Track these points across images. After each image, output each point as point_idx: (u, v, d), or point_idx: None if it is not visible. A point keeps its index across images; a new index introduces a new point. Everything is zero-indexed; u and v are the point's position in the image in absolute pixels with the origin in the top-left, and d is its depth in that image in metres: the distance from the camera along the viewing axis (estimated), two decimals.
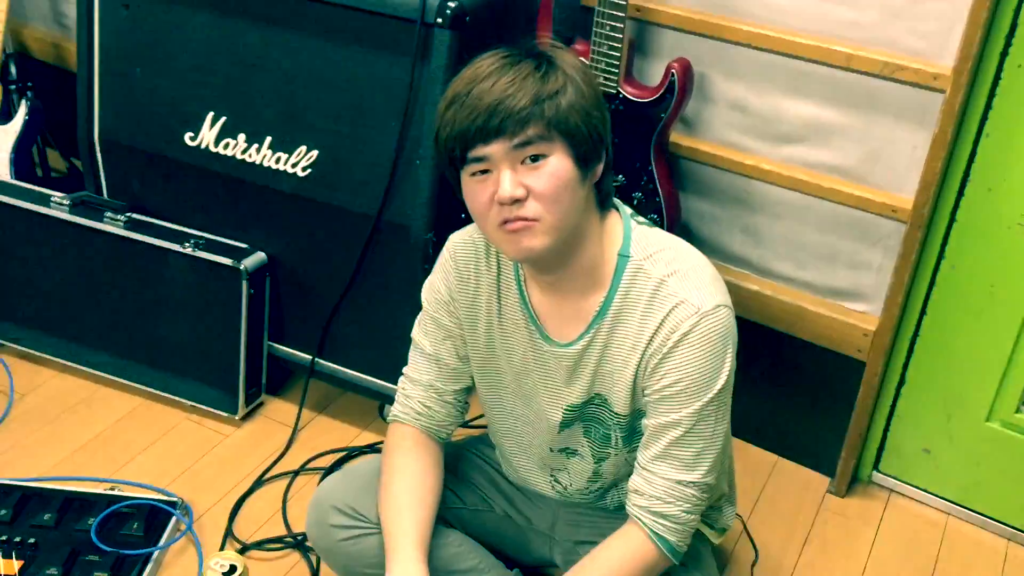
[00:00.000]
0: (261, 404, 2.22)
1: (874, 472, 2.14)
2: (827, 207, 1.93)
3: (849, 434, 2.05)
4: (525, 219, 1.25)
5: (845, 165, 1.89)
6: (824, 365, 2.05)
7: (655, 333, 1.33)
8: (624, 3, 1.79)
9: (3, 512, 1.82)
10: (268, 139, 2.00)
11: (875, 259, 1.94)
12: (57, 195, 2.19)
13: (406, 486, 1.49)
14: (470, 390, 1.57)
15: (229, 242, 2.10)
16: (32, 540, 1.78)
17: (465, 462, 1.68)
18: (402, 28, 1.82)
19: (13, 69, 2.57)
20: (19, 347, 2.29)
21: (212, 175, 2.08)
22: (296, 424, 2.16)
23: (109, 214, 2.13)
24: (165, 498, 1.91)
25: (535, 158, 1.24)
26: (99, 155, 2.22)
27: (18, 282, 2.30)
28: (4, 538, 1.77)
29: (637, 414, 1.42)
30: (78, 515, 1.85)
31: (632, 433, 1.45)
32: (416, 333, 1.55)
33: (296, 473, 2.05)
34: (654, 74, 1.96)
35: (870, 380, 1.98)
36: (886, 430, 2.09)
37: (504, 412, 1.55)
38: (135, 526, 1.83)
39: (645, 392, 1.37)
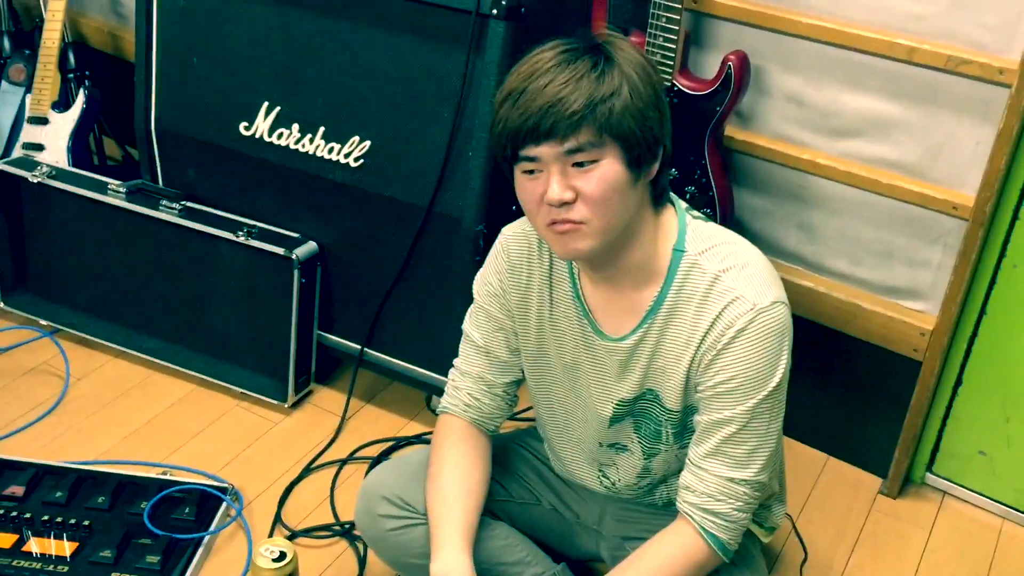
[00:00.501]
0: (310, 392, 2.24)
1: (927, 474, 2.10)
2: (885, 203, 1.89)
3: (903, 434, 2.01)
4: (572, 221, 1.25)
5: (904, 160, 1.85)
6: (879, 364, 2.01)
7: (710, 328, 1.31)
8: None
9: (59, 494, 1.86)
10: (321, 129, 2.01)
11: (934, 257, 1.90)
12: (113, 183, 2.22)
13: (454, 478, 1.49)
14: (519, 383, 1.57)
15: (281, 231, 2.12)
16: (87, 522, 1.81)
17: (513, 455, 1.68)
18: (456, 19, 1.81)
19: (72, 58, 2.61)
20: (75, 332, 2.33)
21: (266, 164, 2.09)
22: (344, 413, 2.17)
23: (164, 202, 2.16)
24: (216, 484, 1.93)
25: (586, 162, 1.23)
26: (155, 144, 2.25)
27: (75, 268, 2.34)
28: (59, 520, 1.81)
29: (689, 410, 1.41)
30: (131, 498, 1.88)
31: (683, 429, 1.43)
32: (467, 325, 1.55)
33: (344, 462, 2.06)
34: (710, 67, 1.93)
35: (926, 380, 1.94)
36: (941, 431, 2.05)
37: (554, 405, 1.55)
38: (187, 511, 1.85)
39: (698, 388, 1.36)
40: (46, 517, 1.81)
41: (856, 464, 2.14)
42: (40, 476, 1.91)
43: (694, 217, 1.38)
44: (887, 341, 1.97)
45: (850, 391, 2.10)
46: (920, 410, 1.98)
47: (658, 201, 1.35)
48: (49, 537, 1.78)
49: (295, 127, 2.04)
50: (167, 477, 1.95)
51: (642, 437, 1.47)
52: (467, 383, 1.55)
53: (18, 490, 1.86)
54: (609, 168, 1.23)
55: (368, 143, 1.97)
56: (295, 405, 2.20)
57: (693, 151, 1.88)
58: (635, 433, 1.48)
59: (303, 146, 2.03)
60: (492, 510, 1.60)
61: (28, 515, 1.81)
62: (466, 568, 1.39)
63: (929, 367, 1.93)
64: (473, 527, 1.46)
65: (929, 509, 2.06)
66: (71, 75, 2.60)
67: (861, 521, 2.01)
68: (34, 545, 1.76)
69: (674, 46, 1.82)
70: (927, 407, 1.99)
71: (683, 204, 1.40)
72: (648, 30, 1.83)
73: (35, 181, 2.25)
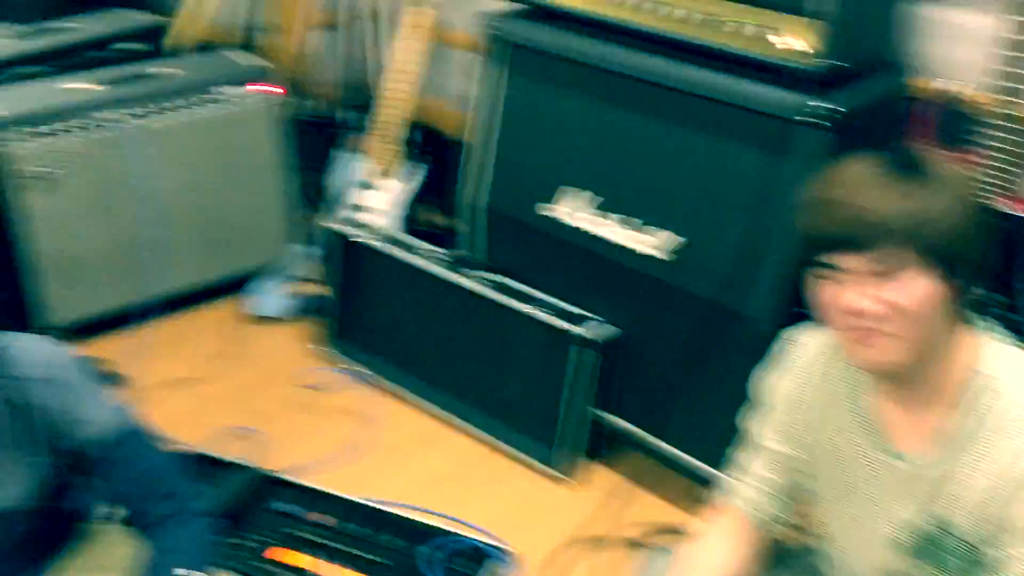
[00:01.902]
0: (585, 467, 2.31)
1: None
2: None
3: None
4: (874, 331, 1.22)
5: None
6: None
7: (1015, 460, 1.24)
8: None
9: (365, 530, 2.04)
10: (637, 221, 2.10)
11: None
12: (438, 251, 2.44)
13: (705, 560, 1.47)
14: (799, 491, 1.53)
15: (582, 312, 2.22)
16: (382, 560, 1.96)
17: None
18: (772, 124, 1.86)
19: (407, 132, 2.82)
20: (383, 380, 2.56)
21: (576, 248, 2.21)
22: (617, 493, 2.22)
23: (480, 274, 2.34)
24: (494, 542, 2.04)
25: (892, 273, 1.21)
26: (477, 218, 2.43)
27: (391, 325, 2.58)
28: (356, 553, 1.97)
29: (982, 543, 1.33)
30: (421, 541, 2.02)
31: (973, 564, 1.35)
32: (753, 425, 1.54)
33: (610, 543, 2.10)
34: None
35: None
36: None
37: (832, 523, 1.51)
38: (463, 563, 1.97)
39: (1001, 522, 1.28)
40: (351, 550, 1.98)
41: None
42: (349, 510, 2.08)
43: (996, 337, 1.33)
44: None
45: None
46: None
47: (962, 319, 1.30)
48: (348, 568, 1.95)
49: (613, 218, 2.14)
50: (452, 530, 2.07)
51: (925, 564, 1.40)
52: (750, 480, 1.53)
53: (331, 520, 2.06)
54: (918, 281, 1.20)
55: (679, 238, 2.03)
56: (571, 476, 2.28)
57: (1009, 275, 1.78)
58: (915, 558, 1.41)
59: (617, 235, 2.12)
60: None
61: (337, 545, 1.99)
62: None
63: None
64: None
65: None
66: (406, 148, 2.83)
67: None
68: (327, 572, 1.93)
69: (1009, 167, 1.74)
70: None
71: (984, 323, 1.34)
72: (982, 148, 1.76)
73: (369, 243, 2.50)
